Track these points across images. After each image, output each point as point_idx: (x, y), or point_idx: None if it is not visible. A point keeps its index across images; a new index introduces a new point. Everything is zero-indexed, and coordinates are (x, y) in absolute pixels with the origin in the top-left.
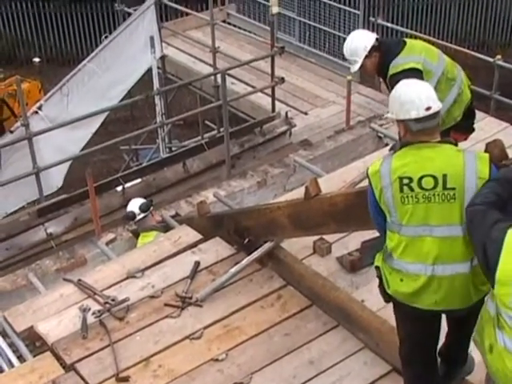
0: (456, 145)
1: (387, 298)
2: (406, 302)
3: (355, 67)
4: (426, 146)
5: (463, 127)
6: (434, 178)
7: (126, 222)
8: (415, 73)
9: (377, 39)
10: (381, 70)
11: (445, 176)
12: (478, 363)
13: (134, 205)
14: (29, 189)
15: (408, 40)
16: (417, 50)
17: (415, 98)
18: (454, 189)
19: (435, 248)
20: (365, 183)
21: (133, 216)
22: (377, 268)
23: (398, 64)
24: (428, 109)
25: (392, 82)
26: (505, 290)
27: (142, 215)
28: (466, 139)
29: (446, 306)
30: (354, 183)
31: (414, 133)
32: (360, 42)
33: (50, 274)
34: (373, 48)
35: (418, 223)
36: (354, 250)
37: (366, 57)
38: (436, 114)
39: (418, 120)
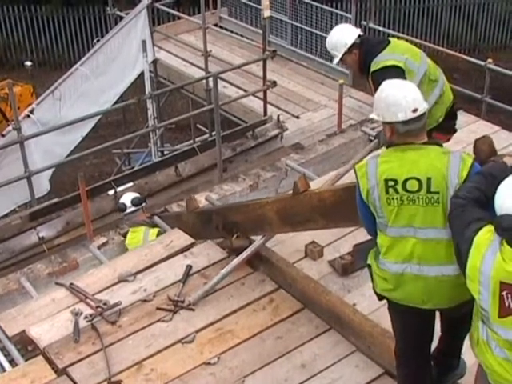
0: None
1: (379, 296)
2: (394, 301)
3: (335, 61)
4: (411, 148)
5: (445, 128)
6: (419, 180)
7: (116, 212)
8: (396, 70)
9: (360, 36)
10: (362, 68)
11: (429, 179)
12: (470, 367)
13: (127, 198)
14: (19, 192)
15: (392, 39)
16: (400, 50)
17: (402, 99)
18: (437, 193)
19: (419, 249)
20: (351, 177)
21: (124, 208)
22: (368, 266)
23: (380, 61)
24: (415, 111)
25: (374, 78)
26: (473, 286)
27: (133, 209)
28: (448, 140)
29: (434, 305)
30: (339, 174)
31: (401, 134)
32: (341, 38)
33: (41, 277)
34: (354, 45)
35: (402, 224)
36: (346, 253)
37: (346, 53)
38: (423, 115)
39: (405, 122)
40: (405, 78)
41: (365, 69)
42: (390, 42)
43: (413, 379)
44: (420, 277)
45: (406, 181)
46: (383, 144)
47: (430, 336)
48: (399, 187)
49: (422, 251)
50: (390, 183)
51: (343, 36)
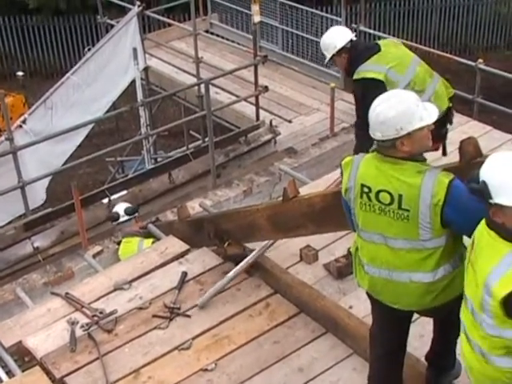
0: (425, 160)
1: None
2: (368, 292)
3: (325, 61)
4: (388, 161)
5: (433, 136)
6: (391, 195)
7: (109, 221)
8: (374, 83)
9: (351, 41)
10: (349, 72)
11: (400, 196)
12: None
13: (120, 207)
14: (15, 204)
15: (385, 44)
16: (386, 59)
17: (371, 117)
18: (408, 210)
19: (389, 256)
20: None
21: (117, 217)
22: (349, 254)
23: (361, 71)
24: (373, 134)
25: (354, 87)
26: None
27: (126, 218)
28: (437, 149)
29: (403, 306)
30: (341, 182)
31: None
32: (333, 40)
33: (37, 287)
34: (343, 49)
35: (372, 231)
36: (341, 256)
37: (335, 55)
38: (386, 140)
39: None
40: (385, 89)
41: (351, 74)
42: (379, 49)
43: (375, 365)
44: (389, 281)
45: (379, 192)
46: None
47: (401, 336)
48: (372, 196)
49: (393, 258)
50: (365, 189)
51: (335, 39)
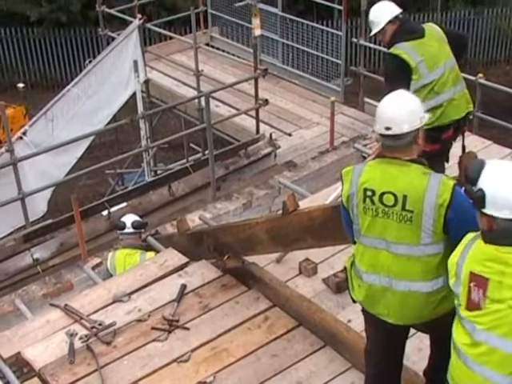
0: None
1: (354, 300)
2: (364, 307)
3: (376, 29)
4: (395, 163)
5: (430, 136)
6: (395, 196)
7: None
8: (403, 65)
9: (403, 13)
10: (389, 44)
11: (405, 197)
12: None
13: (128, 219)
14: (15, 215)
15: (428, 34)
16: (421, 50)
17: (382, 113)
18: (411, 211)
19: (390, 263)
20: None
21: (123, 226)
22: (345, 269)
23: (399, 47)
24: (387, 129)
25: (386, 57)
26: (451, 281)
27: (132, 230)
28: (433, 149)
29: (396, 320)
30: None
31: (386, 147)
32: (388, 7)
33: (36, 299)
34: (397, 18)
35: (374, 236)
36: (340, 270)
37: (390, 22)
38: (401, 135)
39: (384, 136)
40: (410, 75)
41: (390, 47)
42: (423, 35)
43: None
44: (388, 290)
45: (382, 194)
46: None
47: (396, 353)
48: (376, 199)
49: (393, 265)
50: (368, 193)
51: (390, 6)
